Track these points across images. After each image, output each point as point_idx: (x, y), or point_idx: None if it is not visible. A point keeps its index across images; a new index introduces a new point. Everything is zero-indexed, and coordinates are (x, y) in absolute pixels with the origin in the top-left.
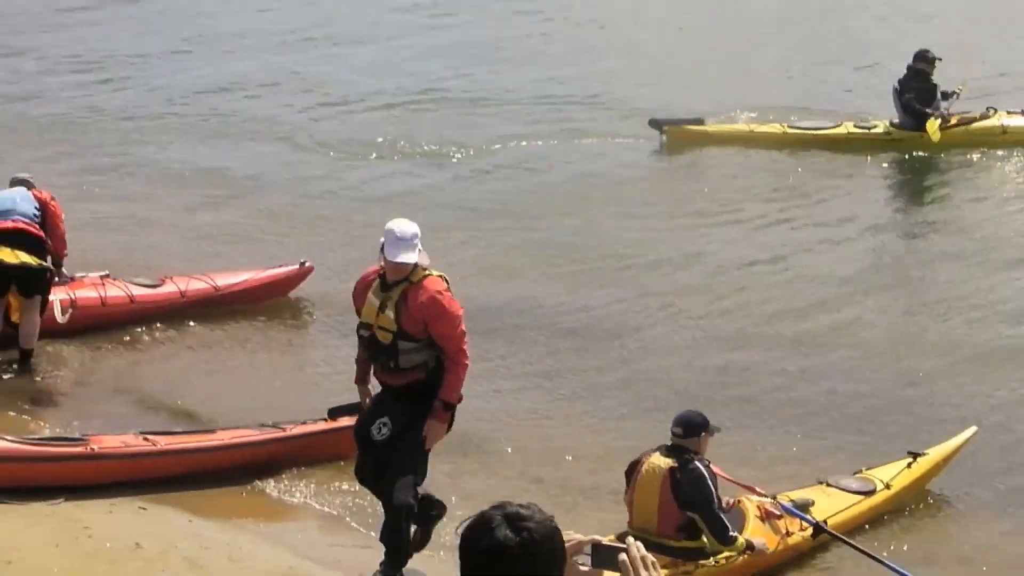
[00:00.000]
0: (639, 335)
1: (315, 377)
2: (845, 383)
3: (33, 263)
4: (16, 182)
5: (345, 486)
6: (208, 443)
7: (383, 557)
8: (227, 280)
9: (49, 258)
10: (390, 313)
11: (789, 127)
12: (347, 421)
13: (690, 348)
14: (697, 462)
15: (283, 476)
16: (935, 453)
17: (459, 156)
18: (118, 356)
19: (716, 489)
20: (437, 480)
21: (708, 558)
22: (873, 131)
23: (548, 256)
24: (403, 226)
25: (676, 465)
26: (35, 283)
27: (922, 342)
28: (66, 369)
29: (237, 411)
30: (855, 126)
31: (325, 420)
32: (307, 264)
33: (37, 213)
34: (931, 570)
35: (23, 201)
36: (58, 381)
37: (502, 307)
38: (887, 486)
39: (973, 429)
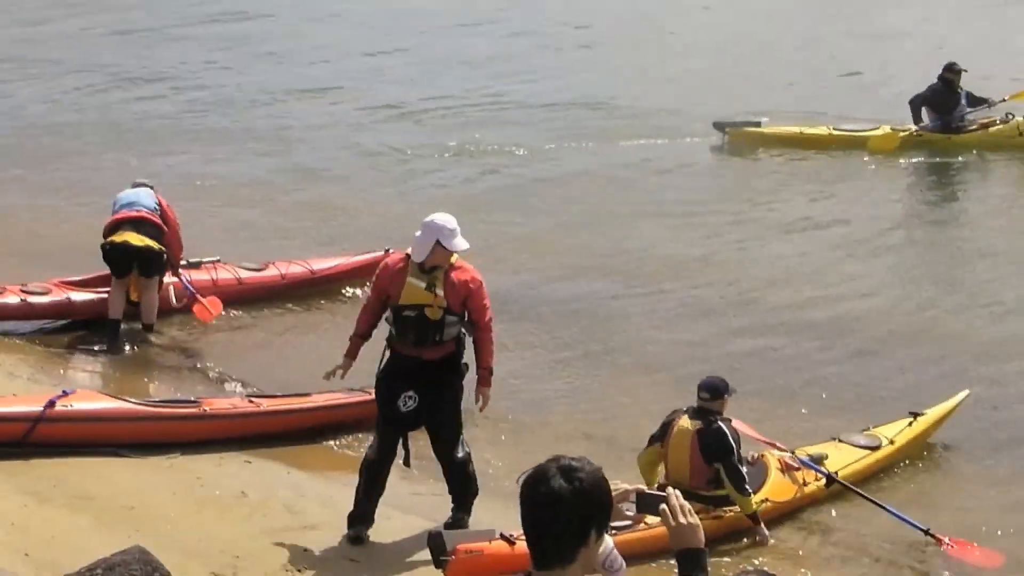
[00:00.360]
0: (671, 316)
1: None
2: (854, 356)
3: (154, 246)
4: (138, 184)
5: (420, 441)
6: (304, 405)
7: (452, 505)
8: (321, 265)
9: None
10: (440, 291)
11: (835, 129)
12: None
13: (719, 326)
14: (720, 423)
15: (368, 433)
16: (933, 413)
17: (522, 154)
18: (227, 330)
19: (738, 446)
20: (500, 437)
21: (734, 505)
22: (904, 133)
23: (598, 247)
24: (450, 219)
25: (702, 426)
26: (154, 264)
27: (924, 319)
28: (182, 342)
29: (323, 372)
30: (891, 128)
31: None
32: (390, 251)
33: (156, 208)
34: (929, 514)
35: (146, 197)
36: (174, 352)
37: (554, 293)
38: (891, 442)
39: (966, 392)
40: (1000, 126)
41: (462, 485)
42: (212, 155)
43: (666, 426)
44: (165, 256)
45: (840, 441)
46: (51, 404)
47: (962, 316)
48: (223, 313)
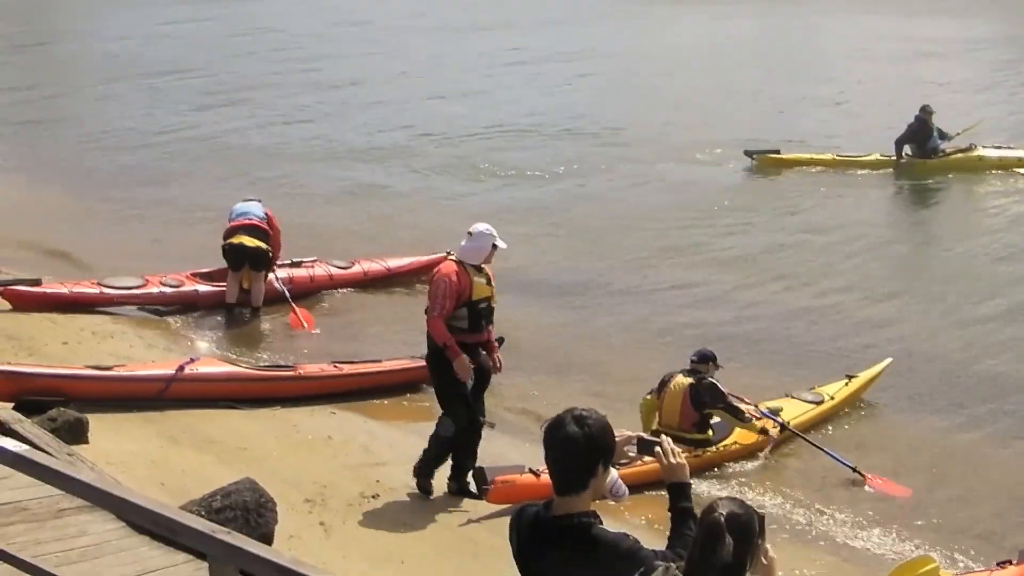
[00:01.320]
0: (671, 301)
1: None
2: (806, 330)
3: (262, 247)
4: (248, 199)
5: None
6: (378, 368)
7: (468, 452)
8: (396, 263)
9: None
10: (493, 284)
11: (837, 155)
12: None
13: (710, 309)
14: (709, 378)
15: (429, 391)
16: (864, 375)
17: (563, 172)
18: (319, 313)
19: (726, 395)
20: (529, 393)
21: (711, 446)
22: (892, 159)
23: (625, 244)
24: (490, 226)
25: (693, 381)
26: (262, 261)
27: (862, 304)
28: (283, 322)
29: (396, 348)
30: (880, 155)
31: None
32: (450, 253)
33: (264, 218)
34: (861, 454)
35: (255, 208)
36: (278, 328)
37: (583, 282)
38: (832, 398)
39: (889, 360)
40: (964, 154)
41: (479, 437)
42: (307, 172)
43: (664, 382)
44: (270, 255)
45: (792, 397)
46: (181, 368)
47: (893, 302)
48: (315, 331)
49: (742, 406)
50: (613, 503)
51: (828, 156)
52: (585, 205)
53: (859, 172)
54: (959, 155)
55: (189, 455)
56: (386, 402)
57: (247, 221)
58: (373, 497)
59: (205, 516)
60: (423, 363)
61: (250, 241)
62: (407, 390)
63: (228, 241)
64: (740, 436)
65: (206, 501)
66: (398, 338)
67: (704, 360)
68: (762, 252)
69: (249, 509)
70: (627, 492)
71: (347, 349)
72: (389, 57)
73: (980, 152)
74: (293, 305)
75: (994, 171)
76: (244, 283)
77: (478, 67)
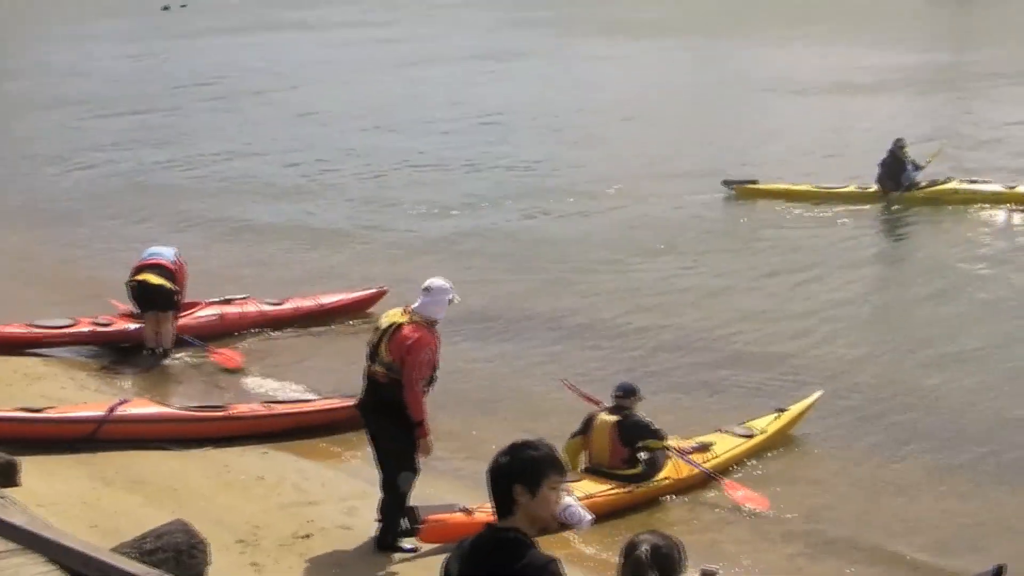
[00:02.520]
0: (603, 336)
1: None
2: (736, 365)
3: (167, 285)
4: (163, 246)
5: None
6: (309, 408)
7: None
8: (328, 299)
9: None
10: None
11: (814, 186)
12: None
13: (641, 344)
14: (636, 414)
15: (357, 430)
16: (794, 408)
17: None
18: (249, 350)
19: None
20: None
21: (642, 481)
22: (867, 191)
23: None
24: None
25: (619, 419)
26: (167, 300)
27: (793, 338)
28: (212, 362)
29: (329, 386)
30: (856, 187)
31: None
32: (384, 288)
33: (173, 261)
34: (791, 487)
35: (167, 252)
36: (209, 368)
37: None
38: (763, 432)
39: (819, 392)
40: (940, 187)
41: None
42: (237, 208)
43: (588, 421)
44: (176, 296)
45: (722, 431)
46: (112, 409)
47: (823, 334)
48: (241, 367)
49: (671, 444)
50: (576, 530)
51: (805, 187)
52: (518, 238)
53: (835, 205)
54: (934, 188)
55: (121, 496)
56: (318, 441)
57: (153, 260)
58: (306, 537)
59: (137, 558)
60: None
61: (154, 279)
62: (339, 429)
63: (133, 279)
64: (672, 471)
65: (138, 543)
66: (330, 376)
67: (628, 394)
68: (698, 287)
69: (181, 550)
70: (588, 519)
71: (277, 388)
72: (318, 93)
73: (955, 185)
74: (210, 348)
75: (968, 205)
76: (152, 324)
77: (410, 103)
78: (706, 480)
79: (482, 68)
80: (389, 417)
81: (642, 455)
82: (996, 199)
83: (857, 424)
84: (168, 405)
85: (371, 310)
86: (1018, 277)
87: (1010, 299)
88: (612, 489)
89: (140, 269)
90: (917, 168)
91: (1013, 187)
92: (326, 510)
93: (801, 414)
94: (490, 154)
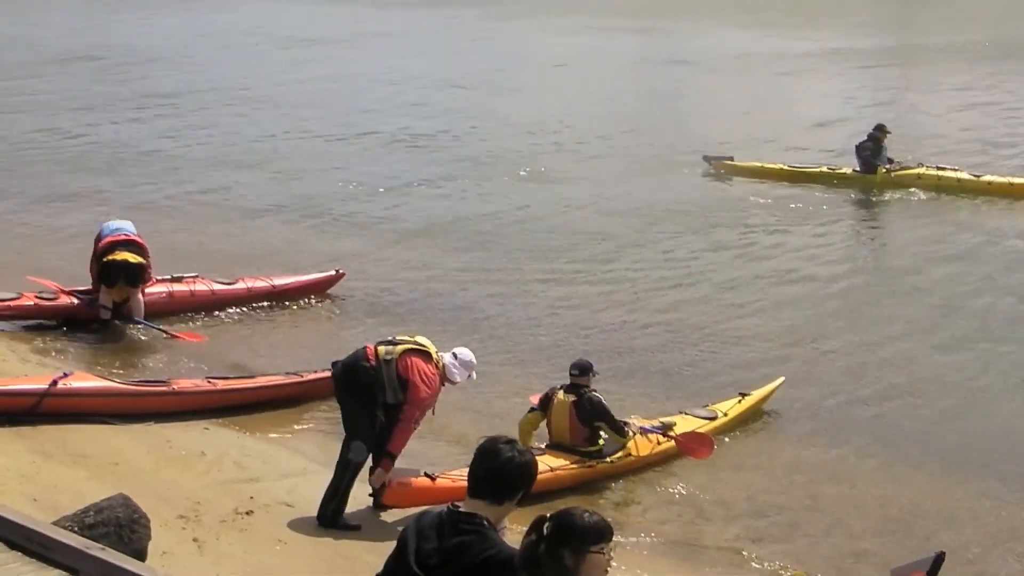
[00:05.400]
0: (565, 317)
1: (326, 343)
2: (700, 350)
3: (142, 261)
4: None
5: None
6: (250, 384)
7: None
8: (282, 281)
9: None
10: None
11: (786, 165)
12: None
13: (599, 325)
14: (592, 393)
15: (300, 407)
16: (756, 394)
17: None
18: (199, 328)
19: (609, 411)
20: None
21: (604, 458)
22: (839, 172)
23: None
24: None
25: (576, 398)
26: (141, 276)
27: (755, 323)
28: (161, 336)
29: (273, 364)
30: (828, 168)
31: (330, 370)
32: (341, 272)
33: (138, 233)
34: (741, 472)
35: (129, 225)
36: (153, 343)
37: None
38: (725, 414)
39: (781, 379)
40: (907, 171)
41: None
42: (196, 183)
43: (547, 399)
44: (148, 269)
45: (685, 414)
46: (54, 383)
47: (791, 321)
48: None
49: (633, 422)
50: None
51: (778, 166)
52: (477, 220)
53: (807, 186)
54: (903, 172)
55: (62, 470)
56: (260, 418)
57: (124, 236)
58: (247, 513)
59: (78, 532)
60: (298, 379)
61: (132, 257)
62: (281, 406)
63: (110, 257)
64: (635, 447)
65: (79, 517)
66: (277, 354)
67: (584, 372)
68: (669, 271)
69: (122, 525)
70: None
71: (224, 365)
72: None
73: (922, 171)
74: (167, 331)
75: (938, 191)
76: (116, 297)
77: (369, 84)
78: (665, 458)
79: (436, 45)
80: (355, 388)
81: (602, 433)
82: (963, 187)
83: (807, 412)
84: (111, 379)
85: (331, 292)
86: (975, 270)
87: (969, 292)
88: (574, 464)
89: (112, 247)
90: (890, 160)
91: (980, 176)
92: (267, 486)
93: (764, 398)
94: (446, 133)
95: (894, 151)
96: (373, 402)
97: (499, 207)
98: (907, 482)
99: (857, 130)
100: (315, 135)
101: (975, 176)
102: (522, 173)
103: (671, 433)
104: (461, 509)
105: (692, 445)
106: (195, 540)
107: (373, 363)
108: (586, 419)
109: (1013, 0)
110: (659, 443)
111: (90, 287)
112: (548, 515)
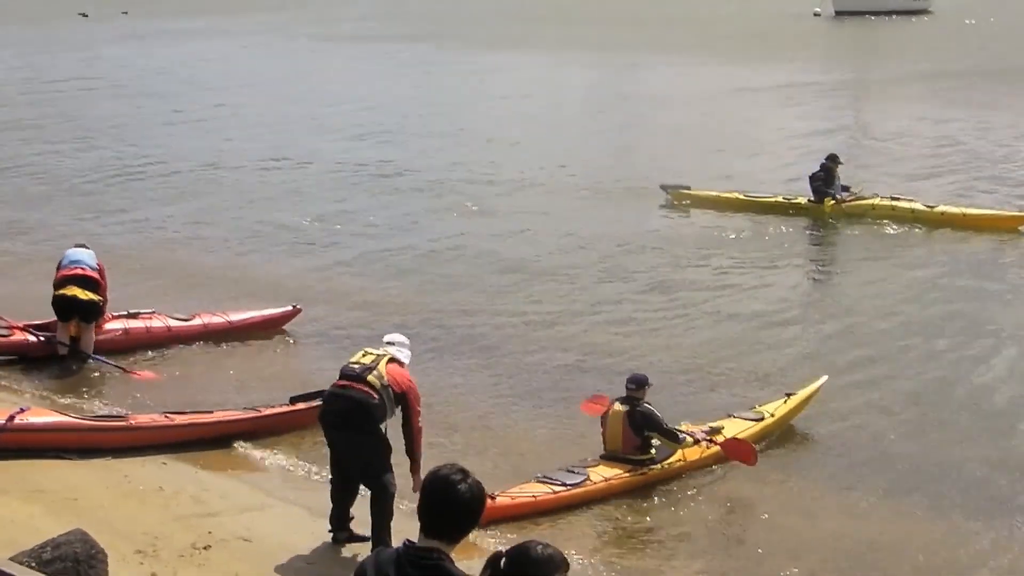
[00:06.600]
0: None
1: (283, 378)
2: (749, 352)
3: (95, 299)
4: (79, 245)
5: (301, 449)
6: (208, 419)
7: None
8: (238, 316)
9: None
10: None
11: (742, 195)
12: (303, 405)
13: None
14: (644, 404)
15: (259, 442)
16: (802, 392)
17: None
18: (155, 364)
19: (662, 417)
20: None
21: (656, 464)
22: (793, 201)
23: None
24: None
25: (629, 409)
26: (93, 314)
27: (798, 327)
28: (116, 373)
29: (230, 399)
30: (783, 198)
31: (288, 404)
32: (297, 307)
33: (95, 268)
34: (798, 462)
35: (88, 258)
36: (109, 379)
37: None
38: (772, 415)
39: (825, 377)
40: (861, 201)
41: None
42: (141, 215)
43: (606, 410)
44: (101, 306)
45: (733, 416)
46: (11, 418)
47: (823, 327)
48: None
49: (680, 430)
50: None
51: (734, 195)
52: (438, 253)
53: (763, 215)
54: (858, 202)
55: (18, 506)
56: (218, 452)
57: (80, 271)
58: (205, 548)
59: (35, 568)
60: (256, 414)
61: (83, 294)
62: (239, 441)
63: (60, 292)
64: (685, 453)
65: (36, 552)
66: (234, 389)
67: (640, 385)
68: (612, 302)
69: (80, 560)
70: None
71: (181, 400)
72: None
73: (877, 201)
74: (123, 367)
75: (893, 220)
76: (73, 332)
77: (325, 117)
78: (711, 460)
79: (389, 79)
80: (356, 425)
81: (654, 441)
82: (917, 217)
83: (857, 407)
84: (68, 415)
85: (287, 327)
86: (927, 299)
87: (926, 320)
88: (626, 472)
89: (67, 281)
90: (845, 188)
91: (932, 206)
92: (225, 521)
93: (809, 397)
94: (400, 166)
95: (850, 181)
96: (380, 430)
97: (454, 240)
98: (859, 516)
99: (813, 160)
100: (265, 168)
101: (929, 207)
102: (474, 208)
103: (717, 439)
104: (419, 544)
105: (738, 451)
106: (153, 575)
107: (375, 394)
108: (637, 430)
109: (965, 32)
110: (707, 448)
111: (45, 321)
112: (503, 550)
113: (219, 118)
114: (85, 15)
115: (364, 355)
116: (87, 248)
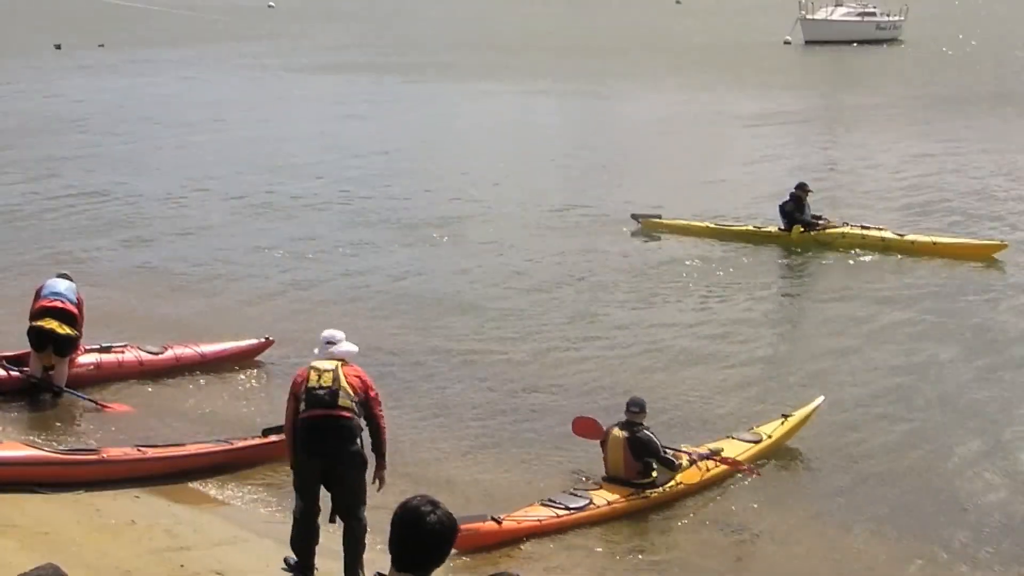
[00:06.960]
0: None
1: (256, 410)
2: (751, 374)
3: (72, 334)
4: (61, 275)
5: (273, 481)
6: (181, 452)
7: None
8: (210, 348)
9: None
10: None
11: (713, 223)
12: (276, 438)
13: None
14: (644, 430)
15: (231, 474)
16: (798, 414)
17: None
18: (128, 397)
19: (660, 443)
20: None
21: (657, 487)
22: (763, 230)
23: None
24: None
25: (629, 435)
26: (69, 347)
27: (792, 349)
28: (89, 406)
29: (204, 431)
30: (754, 226)
31: (260, 436)
32: (270, 339)
33: (75, 301)
34: (792, 483)
35: (67, 291)
36: (82, 411)
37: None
38: (769, 436)
39: (821, 398)
40: (831, 230)
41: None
42: (108, 248)
43: (605, 435)
44: (78, 340)
45: (732, 437)
46: None
47: (812, 349)
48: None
49: (679, 456)
50: None
51: (705, 224)
52: (410, 284)
53: (731, 242)
54: (828, 230)
55: None
56: (191, 486)
57: (59, 304)
58: None
59: None
60: (228, 446)
61: (61, 328)
62: (210, 473)
63: (37, 324)
64: (684, 476)
65: None
66: (205, 421)
67: (642, 408)
68: (581, 329)
69: None
70: None
71: (154, 433)
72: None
73: (847, 229)
74: (95, 400)
75: (862, 249)
76: (46, 362)
77: (294, 148)
78: (710, 482)
79: (352, 111)
80: (347, 457)
81: (655, 465)
82: (888, 245)
83: (852, 425)
84: (40, 448)
85: (256, 359)
86: (900, 323)
87: (901, 347)
88: (629, 496)
89: (45, 312)
90: (817, 218)
91: (903, 235)
92: (198, 555)
93: (805, 418)
94: (372, 198)
95: (821, 209)
96: (365, 455)
97: (426, 272)
98: (831, 541)
99: (783, 189)
100: (236, 198)
101: (899, 235)
102: (444, 239)
103: (722, 456)
104: None
105: (737, 466)
106: None
107: (352, 415)
108: (638, 455)
109: (935, 60)
110: (708, 470)
111: (17, 353)
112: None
113: (190, 149)
114: (59, 47)
115: (321, 375)
116: (70, 279)
